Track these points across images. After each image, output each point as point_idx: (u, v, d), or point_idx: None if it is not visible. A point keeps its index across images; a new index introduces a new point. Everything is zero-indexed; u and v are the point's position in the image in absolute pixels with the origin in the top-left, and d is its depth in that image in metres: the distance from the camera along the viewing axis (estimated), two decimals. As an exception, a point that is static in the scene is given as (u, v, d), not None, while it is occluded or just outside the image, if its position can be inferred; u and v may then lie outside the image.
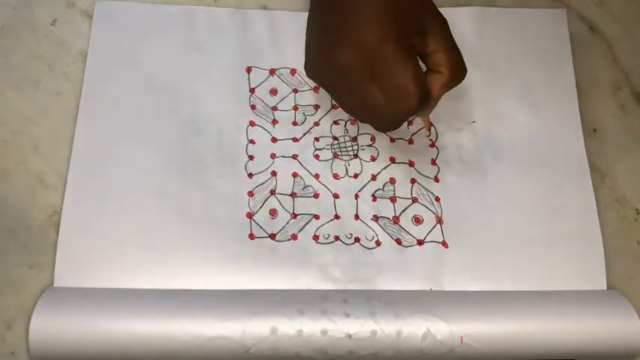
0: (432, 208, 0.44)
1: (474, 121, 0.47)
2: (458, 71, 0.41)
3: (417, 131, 0.47)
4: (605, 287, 0.43)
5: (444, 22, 0.40)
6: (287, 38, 0.48)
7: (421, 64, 0.40)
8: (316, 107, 0.47)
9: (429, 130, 0.46)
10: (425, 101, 0.39)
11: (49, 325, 0.38)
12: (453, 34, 0.48)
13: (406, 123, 0.47)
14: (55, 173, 0.44)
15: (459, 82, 0.41)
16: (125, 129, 0.45)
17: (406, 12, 0.39)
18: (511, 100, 0.48)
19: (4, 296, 0.42)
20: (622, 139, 0.47)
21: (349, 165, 0.45)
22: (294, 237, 0.43)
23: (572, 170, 0.46)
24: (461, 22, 0.49)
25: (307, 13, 0.48)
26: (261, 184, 0.45)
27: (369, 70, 0.38)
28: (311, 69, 0.43)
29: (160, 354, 0.38)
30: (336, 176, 0.45)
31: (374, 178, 0.45)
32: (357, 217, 0.44)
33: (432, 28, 0.40)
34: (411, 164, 0.46)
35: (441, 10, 0.49)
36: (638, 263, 0.44)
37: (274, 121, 0.46)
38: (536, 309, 0.40)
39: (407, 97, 0.38)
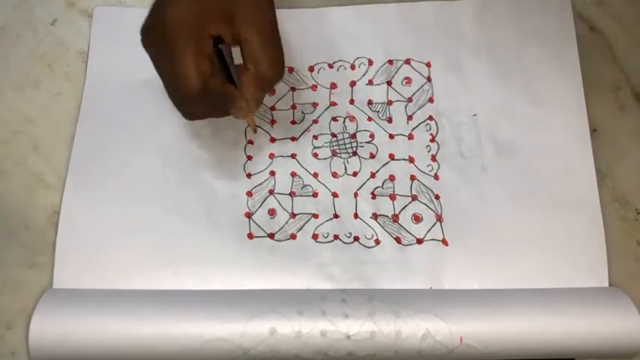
0: (432, 206, 0.44)
1: (475, 115, 0.47)
2: (265, 68, 0.37)
3: (417, 126, 0.46)
4: (607, 284, 0.43)
5: (257, 10, 0.37)
6: (283, 36, 0.48)
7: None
8: (314, 105, 0.47)
9: (254, 130, 0.45)
10: (214, 95, 0.37)
11: (48, 327, 0.38)
12: (454, 26, 0.48)
13: (406, 117, 0.47)
14: (55, 173, 0.45)
15: (271, 83, 0.38)
16: (124, 130, 0.45)
17: None
18: (514, 92, 0.47)
19: (3, 296, 0.42)
20: (622, 139, 0.47)
21: (348, 163, 0.45)
22: (293, 236, 0.43)
23: (576, 165, 0.45)
24: (461, 14, 0.49)
25: (304, 11, 0.48)
26: (259, 184, 0.45)
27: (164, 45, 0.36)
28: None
29: (160, 356, 0.38)
30: (334, 175, 0.45)
31: (373, 175, 0.45)
32: (356, 215, 0.44)
33: (244, 15, 0.36)
34: (411, 160, 0.46)
35: (440, 3, 0.48)
36: (638, 263, 0.44)
37: (272, 121, 0.46)
38: (537, 308, 0.40)
39: (181, 83, 0.36)
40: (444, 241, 0.43)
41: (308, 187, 0.45)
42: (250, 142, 0.46)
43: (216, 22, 0.36)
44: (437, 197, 0.45)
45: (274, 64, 0.38)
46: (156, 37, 0.37)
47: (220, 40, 0.37)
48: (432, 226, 0.44)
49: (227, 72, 0.38)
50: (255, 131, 0.45)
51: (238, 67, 0.38)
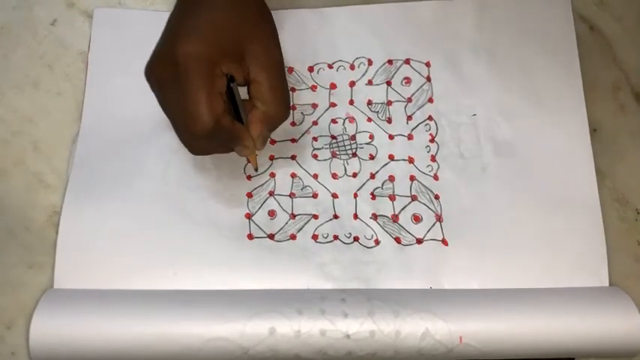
0: (432, 207, 0.44)
1: (474, 115, 0.47)
2: (274, 108, 0.38)
3: (417, 126, 0.46)
4: (607, 284, 0.43)
5: (268, 52, 0.38)
6: (283, 36, 0.48)
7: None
8: (314, 106, 0.47)
9: (256, 168, 0.44)
10: (224, 133, 0.37)
11: (49, 327, 0.38)
12: (453, 26, 0.48)
13: (405, 117, 0.46)
14: (55, 173, 0.45)
15: (279, 122, 0.39)
16: (126, 132, 0.46)
17: (229, 33, 0.37)
18: (513, 92, 0.47)
19: (3, 296, 0.42)
20: (622, 139, 0.47)
21: (348, 164, 0.45)
22: (292, 237, 0.43)
23: (576, 164, 0.45)
24: (461, 14, 0.49)
25: (303, 11, 0.48)
26: (260, 186, 0.45)
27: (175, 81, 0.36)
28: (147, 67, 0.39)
29: (160, 356, 0.38)
30: (334, 176, 0.45)
31: (373, 176, 0.45)
32: (355, 216, 0.44)
33: (254, 55, 0.37)
34: (411, 160, 0.46)
35: (439, 3, 0.48)
36: (638, 263, 0.44)
37: None
38: (536, 307, 0.40)
39: (193, 120, 0.36)
40: (444, 241, 0.43)
41: (308, 188, 0.45)
42: None
43: (228, 61, 0.36)
44: (436, 197, 0.45)
45: (282, 105, 0.39)
46: (164, 72, 0.36)
47: (232, 78, 0.37)
48: (432, 226, 0.44)
49: (235, 109, 0.38)
50: (256, 169, 0.45)
51: (245, 103, 0.39)
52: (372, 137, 0.46)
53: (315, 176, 0.45)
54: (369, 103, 0.47)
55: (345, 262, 0.43)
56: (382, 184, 0.45)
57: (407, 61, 0.48)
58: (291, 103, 0.47)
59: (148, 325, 0.38)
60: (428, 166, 0.45)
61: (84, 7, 0.49)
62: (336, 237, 0.43)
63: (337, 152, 0.46)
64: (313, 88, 0.47)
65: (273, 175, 0.45)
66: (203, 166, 0.45)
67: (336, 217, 0.44)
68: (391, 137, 0.46)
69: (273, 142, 0.46)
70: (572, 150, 0.45)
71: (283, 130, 0.46)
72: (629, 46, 0.49)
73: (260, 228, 0.44)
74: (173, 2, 0.39)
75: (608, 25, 0.49)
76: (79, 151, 0.45)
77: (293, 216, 0.44)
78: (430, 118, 0.46)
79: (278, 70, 0.39)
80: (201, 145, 0.38)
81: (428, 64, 0.48)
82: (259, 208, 0.44)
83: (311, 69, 0.48)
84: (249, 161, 0.43)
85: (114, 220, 0.43)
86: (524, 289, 0.42)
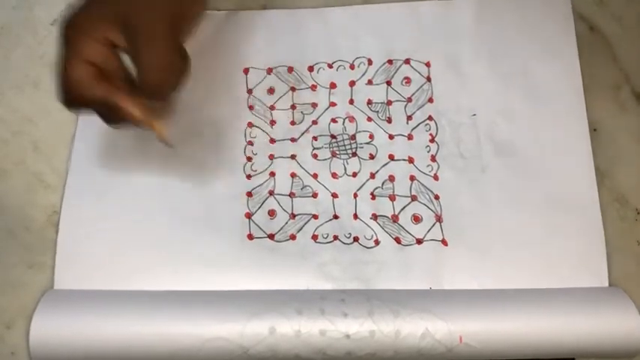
0: (432, 207, 0.44)
1: (474, 115, 0.47)
2: (143, 76, 0.36)
3: (417, 126, 0.46)
4: (607, 284, 0.43)
5: (150, 15, 0.36)
6: (283, 36, 0.48)
7: None
8: (314, 105, 0.47)
9: (164, 141, 0.39)
10: (94, 103, 0.36)
11: (49, 328, 0.38)
12: (453, 26, 0.48)
13: (405, 117, 0.46)
14: (55, 173, 0.45)
15: (152, 90, 0.36)
16: (124, 131, 0.45)
17: (116, 4, 0.35)
18: (513, 92, 0.47)
19: (3, 296, 0.42)
20: (622, 139, 0.47)
21: (348, 164, 0.45)
22: (292, 237, 0.43)
23: (575, 164, 0.45)
24: (461, 14, 0.49)
25: (303, 11, 0.49)
26: (259, 185, 0.45)
27: None
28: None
29: (160, 356, 0.38)
30: (334, 175, 0.45)
31: (373, 176, 0.45)
32: (355, 216, 0.44)
33: (133, 20, 0.35)
34: (411, 160, 0.45)
35: (440, 3, 0.48)
36: (638, 263, 0.44)
37: (272, 122, 0.46)
38: (536, 307, 0.40)
39: (60, 89, 0.36)
40: (444, 242, 0.43)
41: (308, 187, 0.45)
42: (250, 143, 0.46)
43: (109, 28, 0.36)
44: (436, 197, 0.44)
45: (155, 72, 0.36)
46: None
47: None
48: (432, 227, 0.44)
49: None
50: (164, 142, 0.39)
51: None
52: (372, 137, 0.46)
53: (315, 176, 0.45)
54: (369, 102, 0.47)
55: (344, 263, 0.43)
56: (382, 184, 0.45)
57: (407, 61, 0.48)
58: (291, 102, 0.47)
59: (147, 325, 0.38)
60: (428, 166, 0.45)
61: (84, 7, 0.49)
62: (335, 237, 0.43)
63: (337, 152, 0.46)
64: (313, 87, 0.47)
65: (272, 174, 0.45)
66: (203, 165, 0.45)
67: (335, 217, 0.44)
68: (391, 137, 0.46)
69: (272, 141, 0.46)
70: (571, 150, 0.45)
71: (283, 128, 0.46)
72: (629, 46, 0.49)
73: (260, 228, 0.44)
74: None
75: (608, 24, 0.49)
76: (77, 150, 0.45)
77: (293, 216, 0.44)
78: (430, 118, 0.46)
79: (156, 32, 0.36)
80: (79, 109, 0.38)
81: (428, 64, 0.48)
82: (259, 208, 0.44)
83: (311, 68, 0.48)
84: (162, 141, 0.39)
85: (113, 220, 0.43)
86: (523, 289, 0.42)
